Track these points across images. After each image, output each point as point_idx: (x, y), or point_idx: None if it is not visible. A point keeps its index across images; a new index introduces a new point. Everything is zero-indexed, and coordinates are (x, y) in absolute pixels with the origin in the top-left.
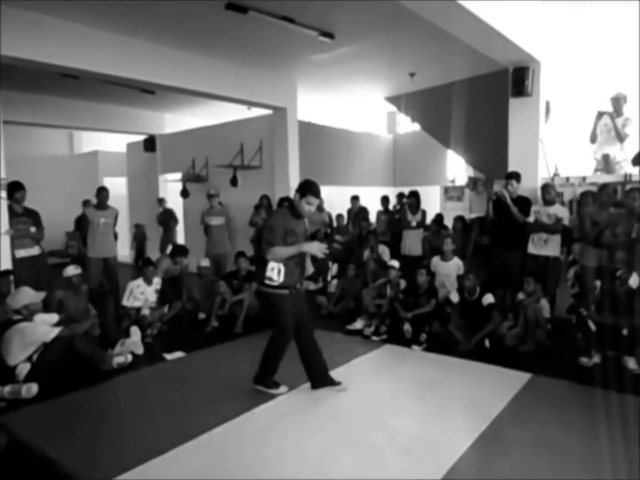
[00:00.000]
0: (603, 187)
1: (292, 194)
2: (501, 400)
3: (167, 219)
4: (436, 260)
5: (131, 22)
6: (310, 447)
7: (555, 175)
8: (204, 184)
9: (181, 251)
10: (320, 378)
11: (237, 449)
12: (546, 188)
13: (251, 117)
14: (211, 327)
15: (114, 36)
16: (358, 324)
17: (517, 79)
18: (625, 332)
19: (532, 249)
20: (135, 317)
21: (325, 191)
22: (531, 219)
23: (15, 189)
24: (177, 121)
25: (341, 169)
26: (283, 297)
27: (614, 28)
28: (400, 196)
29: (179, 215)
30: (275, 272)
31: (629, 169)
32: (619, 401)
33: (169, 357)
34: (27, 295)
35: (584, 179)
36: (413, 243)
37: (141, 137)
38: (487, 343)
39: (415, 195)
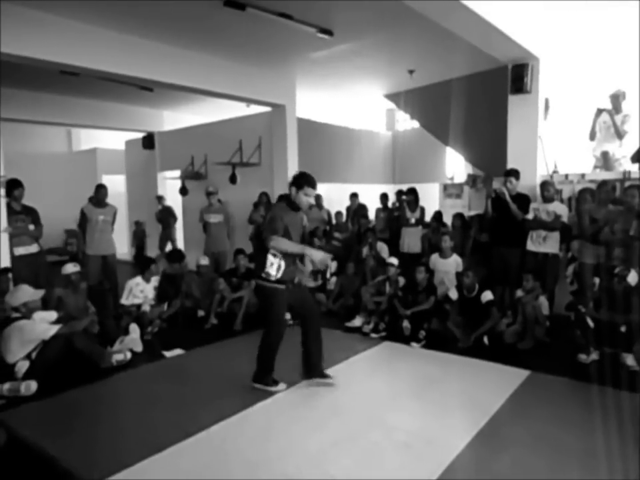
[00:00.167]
0: (602, 184)
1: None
2: (500, 397)
3: (165, 216)
4: (435, 257)
5: (130, 19)
6: (309, 444)
7: (554, 172)
8: (203, 181)
9: (176, 257)
10: (313, 369)
11: (236, 446)
12: (545, 185)
13: (249, 114)
14: (210, 324)
15: (113, 33)
16: (357, 321)
17: (516, 76)
18: (623, 329)
19: (531, 246)
20: (135, 314)
21: (323, 188)
22: (530, 216)
23: (13, 186)
24: (175, 118)
25: (340, 166)
26: (279, 292)
27: (613, 25)
28: (399, 193)
29: (178, 212)
30: (274, 267)
31: (627, 166)
32: (617, 398)
33: (168, 354)
34: (26, 293)
35: (583, 176)
36: (411, 240)
37: (140, 135)
38: (485, 340)
39: (413, 192)
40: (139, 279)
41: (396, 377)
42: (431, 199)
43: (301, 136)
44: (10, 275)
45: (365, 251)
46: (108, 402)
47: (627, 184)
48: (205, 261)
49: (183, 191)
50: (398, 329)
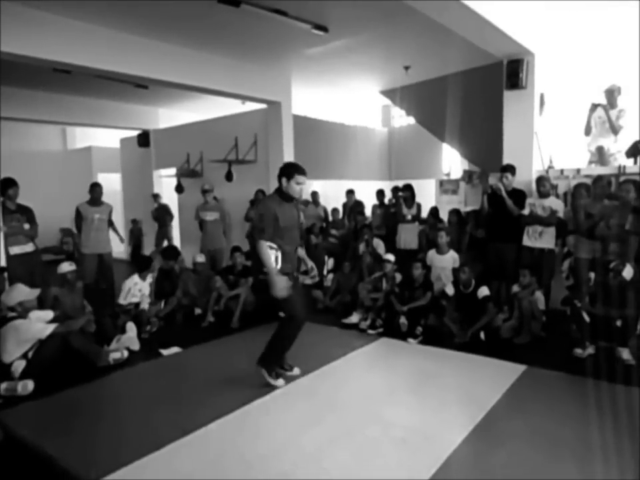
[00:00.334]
0: (597, 179)
1: None
2: (496, 391)
3: (162, 214)
4: (432, 253)
5: (125, 17)
6: (306, 441)
7: (550, 167)
8: (199, 179)
9: (171, 254)
10: (266, 359)
11: (233, 443)
12: (541, 180)
13: (245, 111)
14: (207, 322)
15: (108, 31)
16: (354, 318)
17: (512, 71)
18: (618, 323)
19: (527, 241)
20: (134, 313)
21: (320, 185)
22: (526, 211)
23: (7, 185)
24: (171, 115)
25: (336, 163)
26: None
27: (608, 20)
28: (395, 190)
29: (174, 210)
30: (273, 259)
31: (622, 160)
32: (613, 391)
33: (165, 352)
34: (22, 292)
35: (578, 171)
36: (408, 236)
37: (135, 132)
38: (482, 335)
39: (409, 189)
40: (136, 278)
41: (393, 372)
42: (427, 195)
43: (296, 133)
44: (5, 275)
45: (362, 247)
46: (105, 401)
47: (622, 179)
48: (201, 259)
49: (179, 189)
50: (395, 325)
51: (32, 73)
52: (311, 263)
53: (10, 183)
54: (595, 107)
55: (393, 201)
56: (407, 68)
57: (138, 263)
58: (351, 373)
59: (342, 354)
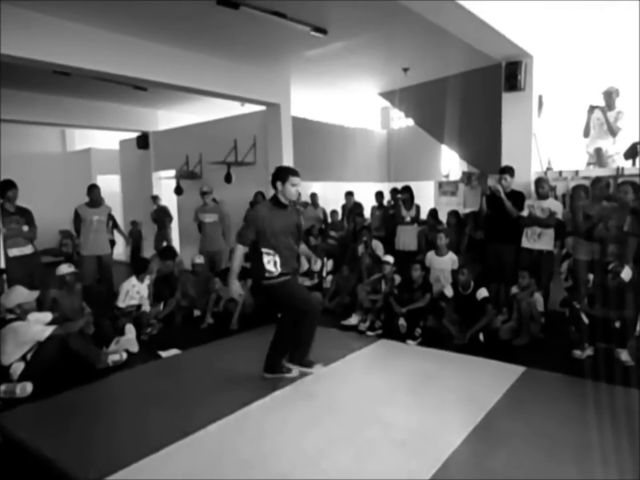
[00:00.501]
0: (596, 180)
1: None
2: (496, 393)
3: (161, 216)
4: (431, 255)
5: (124, 19)
6: (306, 442)
7: (548, 169)
8: (198, 181)
9: (169, 254)
10: (271, 364)
11: (232, 445)
12: (539, 182)
13: (244, 113)
14: (206, 323)
15: (107, 33)
16: (353, 319)
17: (510, 73)
18: (617, 324)
19: (526, 243)
20: (135, 315)
21: (319, 186)
22: (525, 213)
23: (6, 187)
24: (170, 117)
25: (335, 165)
26: (290, 281)
27: (606, 22)
28: (394, 191)
29: (173, 212)
30: (272, 264)
31: (621, 162)
32: (612, 393)
33: (164, 354)
34: (21, 294)
35: (577, 172)
36: (407, 238)
37: (134, 134)
38: (481, 336)
39: (408, 190)
40: (134, 280)
41: (392, 374)
42: (426, 197)
43: (295, 135)
44: (4, 277)
45: (361, 249)
46: (104, 403)
47: (620, 180)
48: (200, 260)
49: (178, 191)
50: (394, 327)
51: (31, 75)
52: (313, 257)
53: (9, 184)
54: (593, 108)
55: (392, 202)
56: (405, 70)
57: (135, 266)
58: (350, 374)
59: (341, 355)
